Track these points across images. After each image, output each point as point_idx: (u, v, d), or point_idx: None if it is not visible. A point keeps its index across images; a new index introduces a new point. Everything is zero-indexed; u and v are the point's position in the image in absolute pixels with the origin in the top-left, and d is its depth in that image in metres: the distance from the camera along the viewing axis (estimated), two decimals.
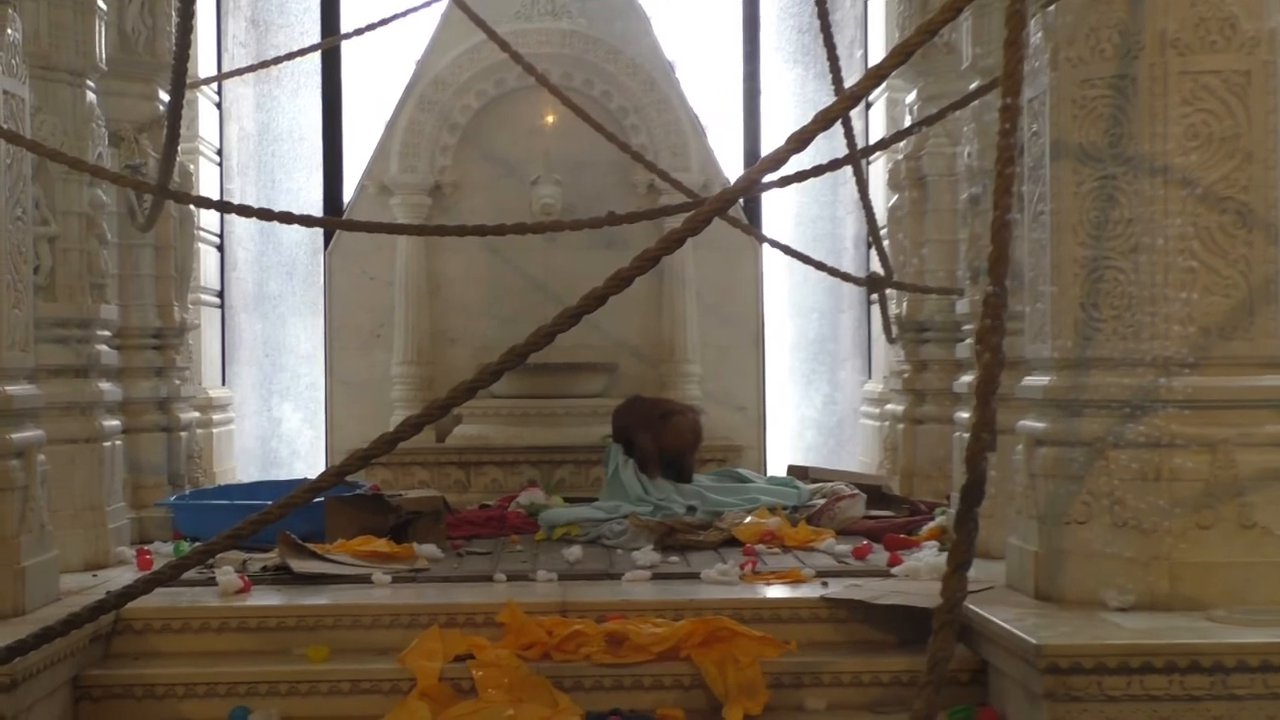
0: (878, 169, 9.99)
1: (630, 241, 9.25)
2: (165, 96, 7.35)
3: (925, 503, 7.89)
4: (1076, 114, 5.17)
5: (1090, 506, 5.13)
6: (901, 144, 8.43)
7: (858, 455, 10.52)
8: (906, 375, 8.61)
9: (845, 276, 7.91)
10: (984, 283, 4.06)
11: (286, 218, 5.97)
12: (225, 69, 10.17)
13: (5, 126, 5.27)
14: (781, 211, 11.19)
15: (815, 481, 8.24)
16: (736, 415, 9.94)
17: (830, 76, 7.04)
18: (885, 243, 8.22)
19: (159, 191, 6.05)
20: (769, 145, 10.62)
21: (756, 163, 4.15)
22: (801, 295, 11.26)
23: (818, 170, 6.40)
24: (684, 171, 9.51)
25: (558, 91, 8.30)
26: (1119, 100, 5.08)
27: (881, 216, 8.69)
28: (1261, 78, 4.99)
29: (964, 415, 6.81)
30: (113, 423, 6.85)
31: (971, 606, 5.09)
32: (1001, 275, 3.72)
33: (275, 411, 11.12)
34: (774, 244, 7.77)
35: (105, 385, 6.83)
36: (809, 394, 11.39)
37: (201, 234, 9.45)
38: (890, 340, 8.54)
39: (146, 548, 6.89)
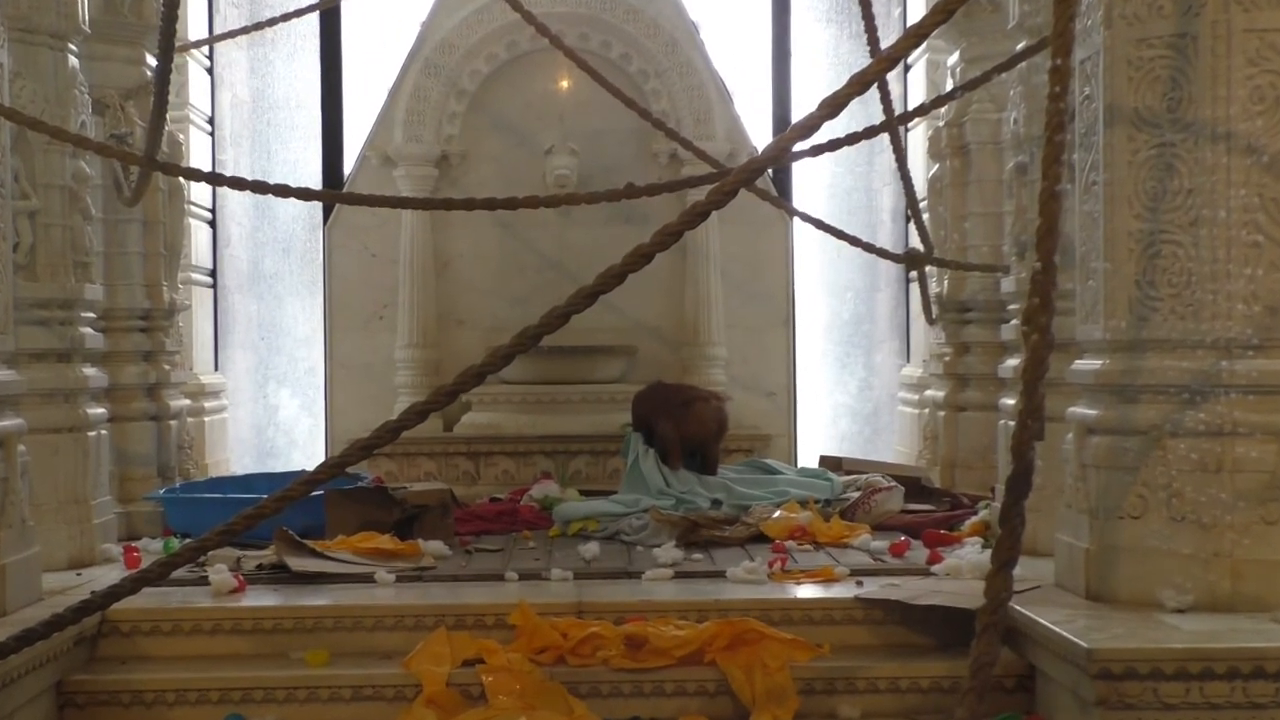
0: (917, 137, 9.94)
1: (651, 215, 9.23)
2: (153, 61, 7.36)
3: (968, 496, 7.87)
4: (1132, 76, 5.13)
5: (1146, 500, 5.11)
6: (943, 109, 8.38)
7: (895, 445, 10.49)
8: (948, 359, 8.58)
9: (882, 253, 7.88)
10: (1031, 259, 4.04)
11: (283, 191, 5.96)
12: (217, 31, 10.16)
13: None
14: (814, 183, 11.15)
15: (849, 473, 8.23)
16: (765, 402, 9.92)
17: (866, 37, 7.00)
18: (925, 216, 8.19)
19: (146, 163, 6.05)
20: (800, 111, 10.57)
21: (786, 130, 4.12)
22: (835, 273, 11.23)
23: (852, 138, 6.37)
24: (708, 140, 9.49)
25: (573, 54, 8.27)
26: (1178, 61, 5.04)
27: (921, 188, 8.64)
28: None
29: (1009, 401, 6.79)
30: (98, 410, 6.86)
31: (1017, 607, 5.08)
32: (1050, 251, 3.69)
33: (271, 398, 11.14)
34: (805, 218, 7.73)
35: (90, 370, 6.84)
36: (843, 379, 11.36)
37: (192, 208, 9.47)
38: (930, 321, 8.51)
39: (134, 544, 6.91)
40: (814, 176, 11.16)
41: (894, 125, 6.91)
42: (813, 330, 11.14)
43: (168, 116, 6.23)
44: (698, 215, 4.08)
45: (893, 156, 7.50)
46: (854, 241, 7.51)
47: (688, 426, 8.12)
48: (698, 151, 8.09)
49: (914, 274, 8.20)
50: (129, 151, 6.62)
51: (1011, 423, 4.62)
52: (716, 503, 7.65)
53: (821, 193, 11.16)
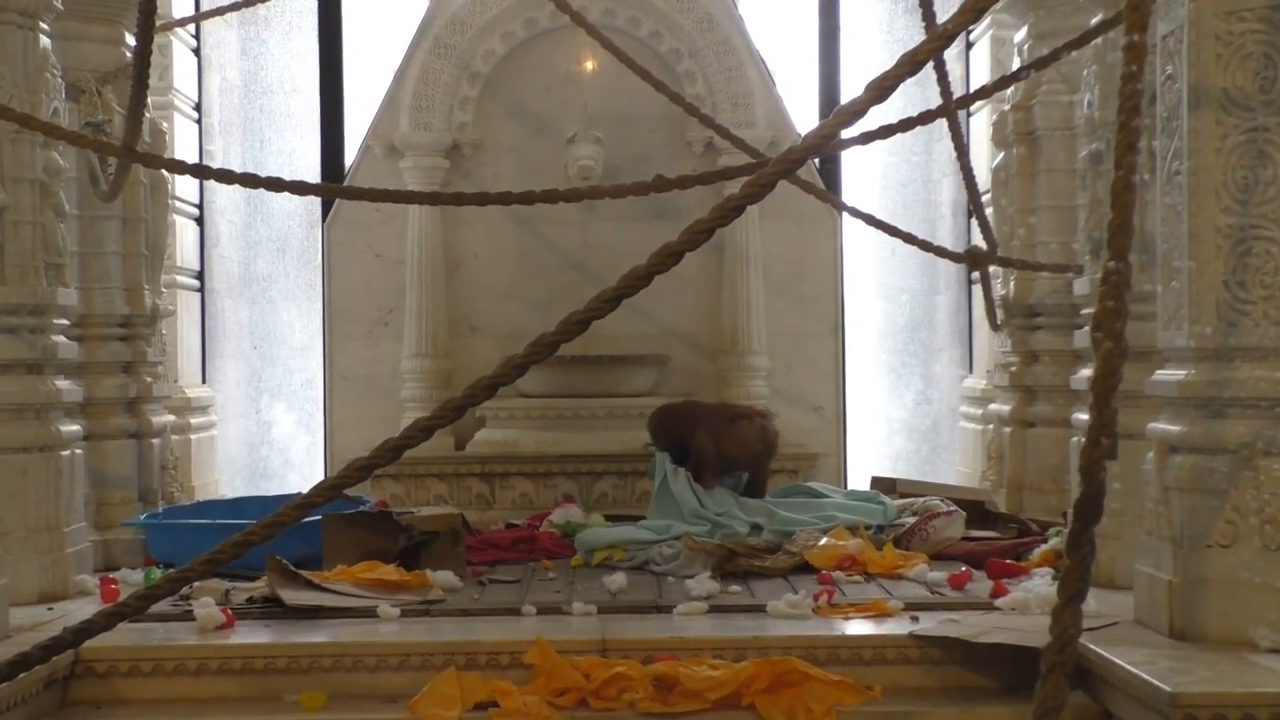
0: (980, 122, 9.91)
1: (684, 210, 9.24)
2: (132, 40, 7.38)
3: (1037, 521, 7.84)
4: (1220, 53, 5.11)
5: (1236, 526, 5.08)
6: (1008, 91, 8.36)
7: (956, 464, 10.46)
8: (1014, 369, 8.55)
9: (940, 251, 7.85)
10: (1105, 257, 4.02)
11: (277, 184, 5.97)
12: (204, 7, 10.21)
13: None
14: (866, 174, 11.14)
15: (904, 496, 8.21)
16: (811, 417, 9.90)
17: (921, 11, 6.98)
18: (988, 210, 8.16)
19: (125, 154, 6.07)
20: (851, 95, 10.57)
21: (830, 115, 4.11)
22: (889, 274, 11.20)
23: (906, 124, 6.34)
24: (748, 127, 9.48)
25: (597, 32, 8.27)
26: (1272, 35, 5.02)
27: (984, 179, 8.61)
28: None
29: (1082, 417, 6.75)
30: (72, 427, 6.89)
31: (1091, 646, 5.06)
32: (1124, 248, 3.67)
33: (265, 414, 11.17)
34: (855, 213, 7.71)
35: (63, 383, 6.86)
36: (898, 391, 11.34)
37: (177, 204, 9.51)
38: (995, 327, 8.49)
39: (112, 575, 6.93)
40: (866, 167, 11.15)
41: (953, 109, 6.89)
42: (864, 338, 11.11)
43: (149, 102, 6.25)
44: (730, 211, 4.08)
45: (952, 144, 7.48)
46: (909, 239, 7.49)
47: (730, 445, 8.10)
48: (735, 140, 8.08)
49: (976, 275, 8.18)
50: (106, 141, 6.65)
51: (1083, 440, 4.59)
52: (756, 528, 7.64)
53: (875, 185, 11.15)
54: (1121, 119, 3.87)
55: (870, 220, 7.57)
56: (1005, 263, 7.91)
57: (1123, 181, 3.73)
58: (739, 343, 9.79)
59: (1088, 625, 5.20)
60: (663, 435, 8.26)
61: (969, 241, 9.74)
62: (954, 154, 7.56)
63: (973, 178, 7.52)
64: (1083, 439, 3.62)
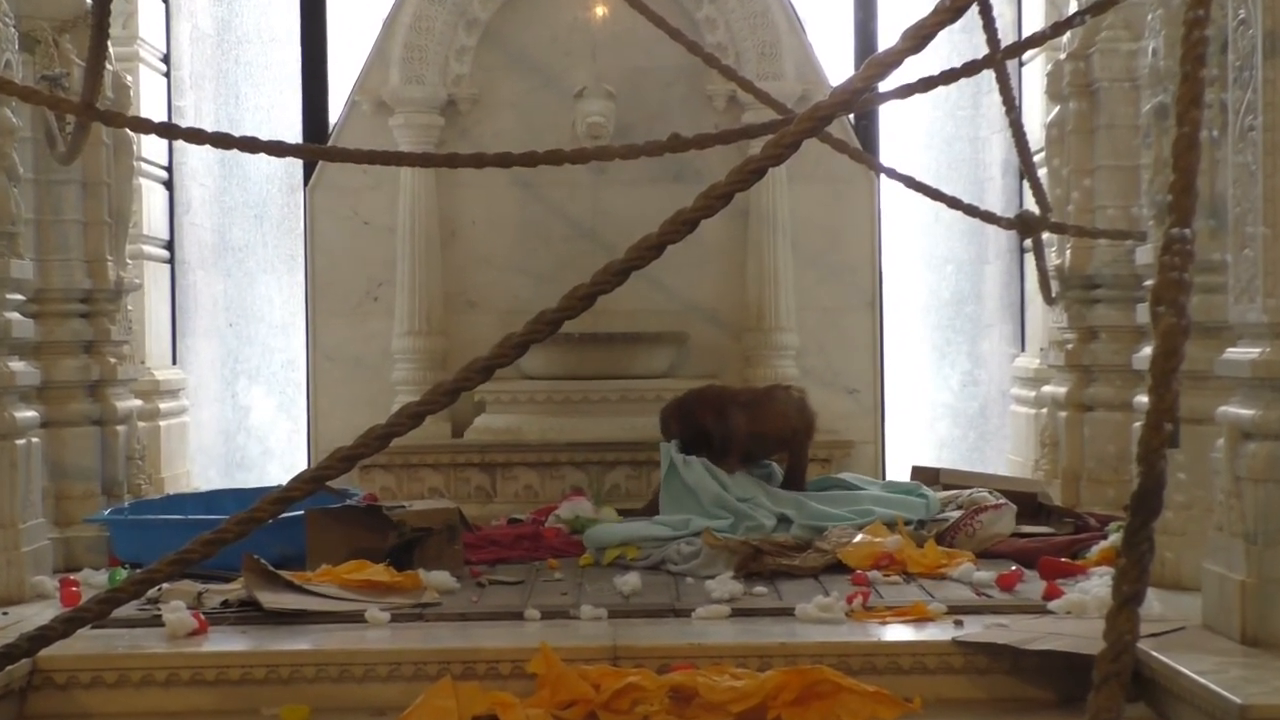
0: (1033, 73, 9.90)
1: (705, 172, 9.23)
2: None
3: (1096, 515, 7.84)
4: None
5: None
6: (1064, 39, 8.35)
7: (1006, 452, 10.46)
8: (1071, 347, 8.55)
9: (988, 217, 7.84)
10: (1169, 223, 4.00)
11: (254, 145, 5.98)
12: None
13: None
14: (906, 132, 11.13)
15: (948, 488, 8.21)
16: (846, 401, 9.91)
17: None
18: (1041, 171, 8.15)
19: (85, 111, 6.07)
20: (888, 43, 10.56)
21: (863, 66, 4.10)
22: (932, 242, 11.20)
23: (949, 76, 6.31)
24: (775, 79, 9.48)
25: None
26: None
27: (1037, 137, 8.60)
28: None
29: (1144, 399, 6.75)
30: (28, 414, 6.91)
31: (1154, 653, 5.07)
32: (1187, 212, 3.65)
33: (242, 398, 11.21)
34: (894, 174, 7.70)
35: (18, 364, 6.89)
36: (942, 372, 11.34)
37: (143, 167, 9.52)
38: (1049, 301, 8.47)
39: (73, 577, 6.95)
40: (907, 124, 11.13)
41: (1001, 59, 6.86)
42: (905, 313, 11.11)
43: (111, 53, 6.27)
44: (750, 174, 4.07)
45: (1000, 98, 7.47)
46: (954, 203, 7.48)
47: (766, 421, 8.09)
48: (760, 94, 8.06)
49: (1029, 242, 8.16)
50: (64, 98, 6.66)
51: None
52: (784, 521, 7.64)
53: (916, 144, 11.13)
54: (1186, 69, 3.85)
55: (910, 182, 7.56)
56: (1060, 229, 7.90)
57: (1186, 139, 3.72)
58: (765, 319, 9.80)
59: (1150, 631, 5.21)
60: (678, 422, 8.24)
61: (1020, 205, 9.73)
62: (1003, 109, 7.55)
63: (1024, 135, 7.49)
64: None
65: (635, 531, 7.64)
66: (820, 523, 7.57)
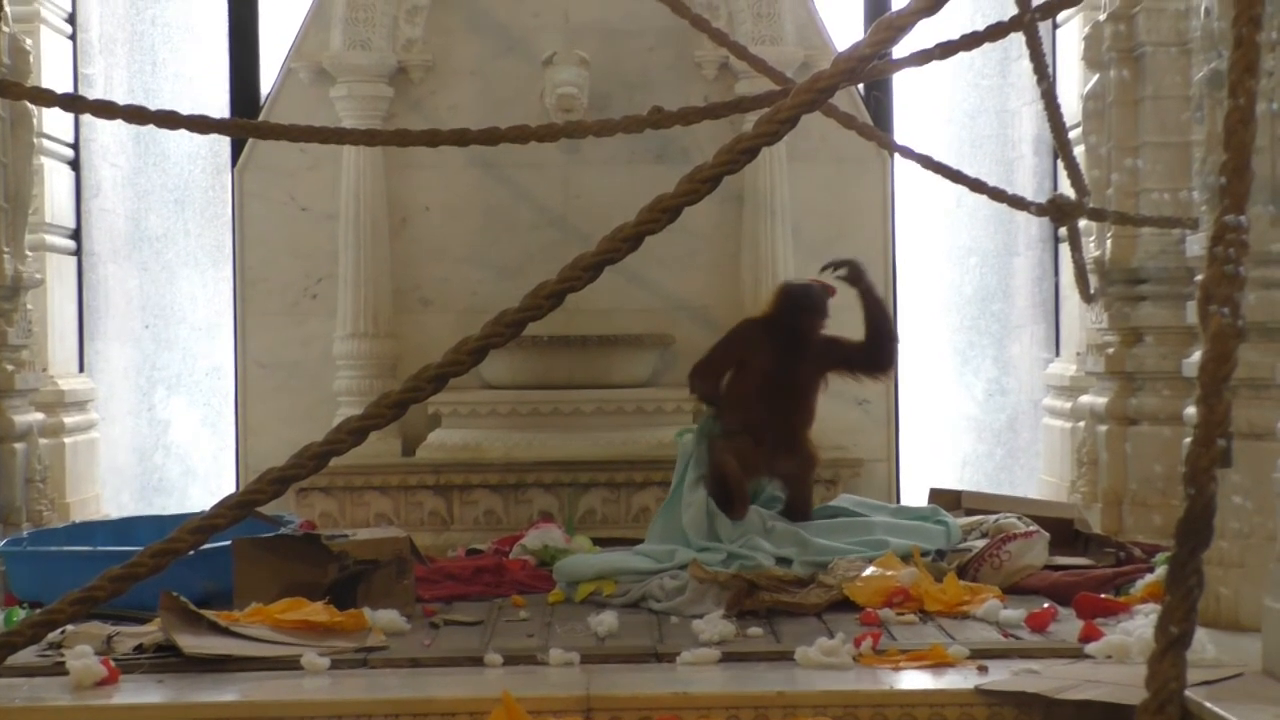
0: (1069, 36, 9.91)
1: (692, 151, 9.26)
2: None
3: (1141, 545, 7.85)
4: None
5: None
6: None
7: (1038, 472, 10.48)
8: (1112, 351, 8.56)
9: (1017, 202, 7.87)
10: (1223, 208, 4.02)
11: (174, 120, 5.99)
12: None
13: None
14: (925, 105, 11.15)
15: (971, 513, 8.21)
16: (855, 413, 9.92)
17: None
18: (1078, 149, 8.16)
19: None
20: (901, 3, 10.59)
21: (870, 30, 4.12)
22: (954, 230, 11.22)
23: (971, 40, 6.35)
24: (773, 44, 9.50)
25: None
26: None
27: (1073, 110, 8.61)
28: None
29: (1194, 411, 6.77)
30: None
31: (1205, 703, 5.06)
32: (1244, 196, 3.67)
33: (160, 411, 11.18)
34: (909, 154, 7.73)
35: None
36: (965, 380, 11.36)
37: (45, 144, 9.50)
38: (1087, 298, 8.50)
39: None
40: (926, 97, 11.15)
41: (1032, 20, 6.88)
42: (923, 312, 11.13)
43: (7, 12, 6.27)
44: (741, 154, 4.09)
45: (1031, 66, 7.49)
46: (977, 186, 7.51)
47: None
48: (756, 61, 8.09)
49: (1063, 232, 8.19)
50: None
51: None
52: (784, 562, 7.64)
53: (938, 118, 11.15)
54: (1240, 31, 3.87)
55: (927, 162, 7.59)
56: (1098, 215, 7.91)
57: (1240, 113, 3.73)
58: None
59: (1202, 678, 5.22)
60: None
61: (1054, 188, 9.75)
62: (1034, 78, 7.56)
63: (1057, 108, 7.53)
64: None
65: (613, 564, 7.63)
66: (823, 556, 7.55)
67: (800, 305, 7.96)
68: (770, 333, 7.96)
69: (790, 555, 7.64)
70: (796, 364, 7.94)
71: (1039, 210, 7.92)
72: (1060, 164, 8.00)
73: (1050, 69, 7.45)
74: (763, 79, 7.92)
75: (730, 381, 7.98)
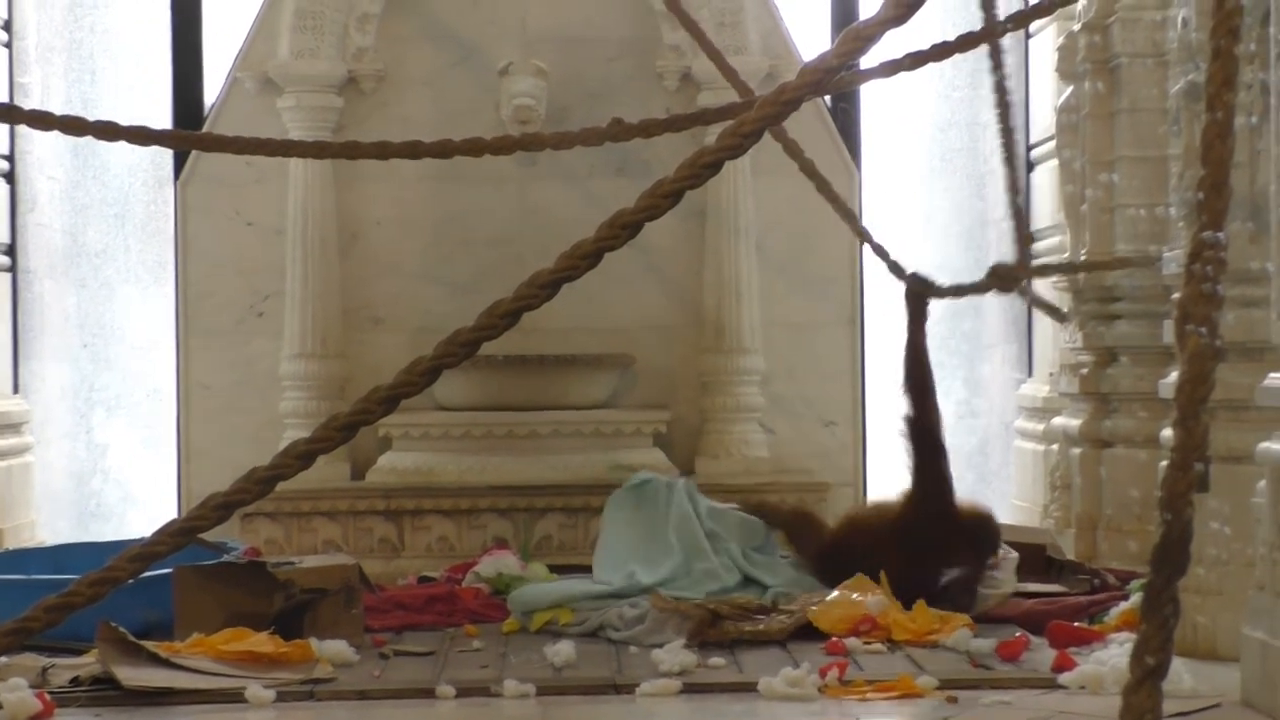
0: (1042, 47, 9.94)
1: (654, 165, 9.25)
2: None
3: (1115, 571, 7.88)
4: None
5: None
6: (1078, 6, 8.39)
7: (1009, 496, 10.49)
8: (1087, 371, 8.59)
9: (896, 269, 7.82)
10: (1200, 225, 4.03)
11: (113, 131, 5.98)
12: None
13: None
14: (895, 117, 11.16)
15: None
16: (821, 435, 9.94)
17: None
18: (1051, 164, 8.18)
19: None
20: (870, 12, 10.62)
21: (836, 41, 4.13)
22: (924, 245, 11.23)
23: (942, 50, 6.36)
24: (737, 54, 9.47)
25: None
26: None
27: (1046, 123, 8.64)
28: None
29: (1171, 434, 6.79)
30: None
31: None
32: (1222, 212, 3.69)
33: (99, 433, 11.13)
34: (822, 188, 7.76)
35: None
36: None
37: None
38: (1060, 319, 8.51)
39: None
40: (896, 108, 11.16)
41: (996, 30, 6.88)
42: (890, 331, 11.14)
43: None
44: (704, 167, 4.09)
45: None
46: (878, 250, 7.49)
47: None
48: (724, 69, 8.10)
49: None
50: None
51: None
52: (753, 583, 7.65)
53: (907, 131, 11.16)
54: (1218, 43, 3.89)
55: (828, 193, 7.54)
56: (1043, 273, 7.89)
57: (1218, 127, 3.75)
58: (725, 338, 9.81)
59: (1179, 710, 5.25)
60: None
61: (1026, 203, 9.75)
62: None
63: (1010, 126, 7.47)
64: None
65: (569, 591, 7.63)
66: (784, 589, 7.57)
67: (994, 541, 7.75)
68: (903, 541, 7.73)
69: (761, 578, 7.67)
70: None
71: (984, 287, 7.72)
72: (1039, 173, 7.97)
73: (1023, 80, 7.47)
74: (726, 90, 7.93)
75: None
